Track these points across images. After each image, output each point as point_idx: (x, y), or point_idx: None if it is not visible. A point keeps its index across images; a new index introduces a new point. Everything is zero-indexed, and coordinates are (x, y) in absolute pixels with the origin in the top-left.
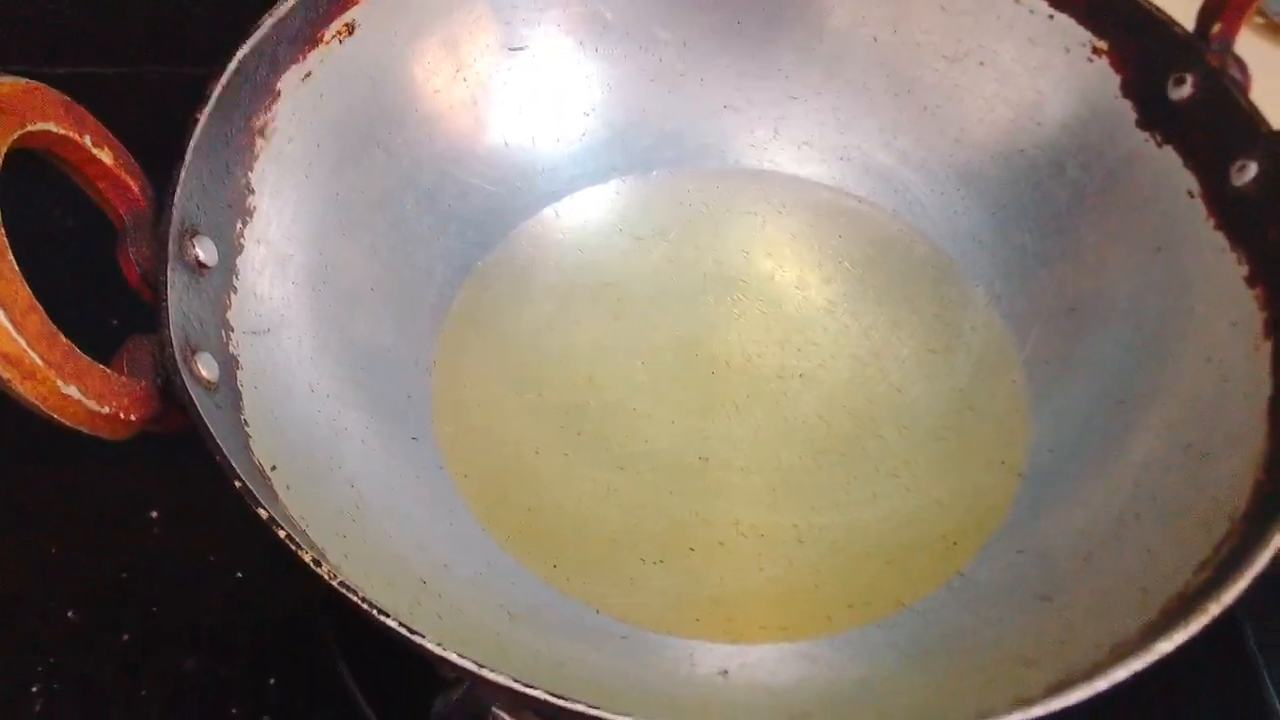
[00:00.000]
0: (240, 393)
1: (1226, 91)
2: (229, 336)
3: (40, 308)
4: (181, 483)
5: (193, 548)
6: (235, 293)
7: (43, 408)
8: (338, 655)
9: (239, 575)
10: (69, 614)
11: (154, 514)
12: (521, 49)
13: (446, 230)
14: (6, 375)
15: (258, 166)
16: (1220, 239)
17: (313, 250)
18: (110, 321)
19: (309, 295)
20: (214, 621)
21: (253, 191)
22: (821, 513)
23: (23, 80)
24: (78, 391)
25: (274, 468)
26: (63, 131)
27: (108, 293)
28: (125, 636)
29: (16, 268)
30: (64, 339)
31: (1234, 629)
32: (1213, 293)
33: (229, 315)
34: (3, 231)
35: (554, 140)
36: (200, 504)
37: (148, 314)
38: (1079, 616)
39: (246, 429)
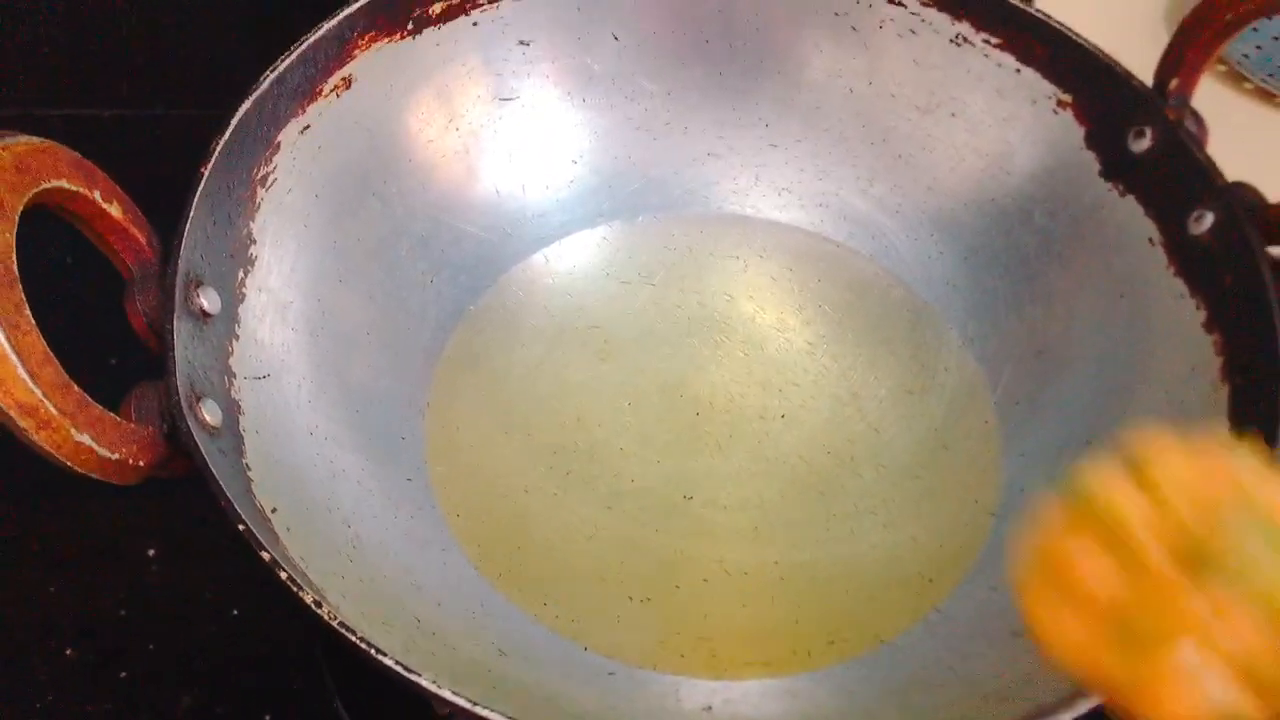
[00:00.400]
0: (243, 437)
1: (1183, 145)
2: (231, 382)
3: (54, 359)
4: (179, 521)
5: (190, 585)
6: (237, 339)
7: (57, 455)
8: (333, 691)
9: (235, 612)
10: (67, 651)
11: (151, 551)
12: (512, 99)
13: (439, 276)
14: (23, 424)
15: (259, 217)
16: (1180, 285)
17: (311, 297)
18: (109, 361)
19: (308, 341)
20: (211, 658)
21: (254, 241)
22: (802, 550)
23: (36, 139)
24: (90, 439)
25: (275, 510)
26: (74, 188)
27: (109, 334)
28: (123, 674)
29: (32, 320)
30: (77, 388)
31: None
32: (1173, 337)
33: (231, 362)
34: (19, 287)
35: (543, 187)
36: (197, 542)
37: (146, 352)
38: None
39: (249, 473)
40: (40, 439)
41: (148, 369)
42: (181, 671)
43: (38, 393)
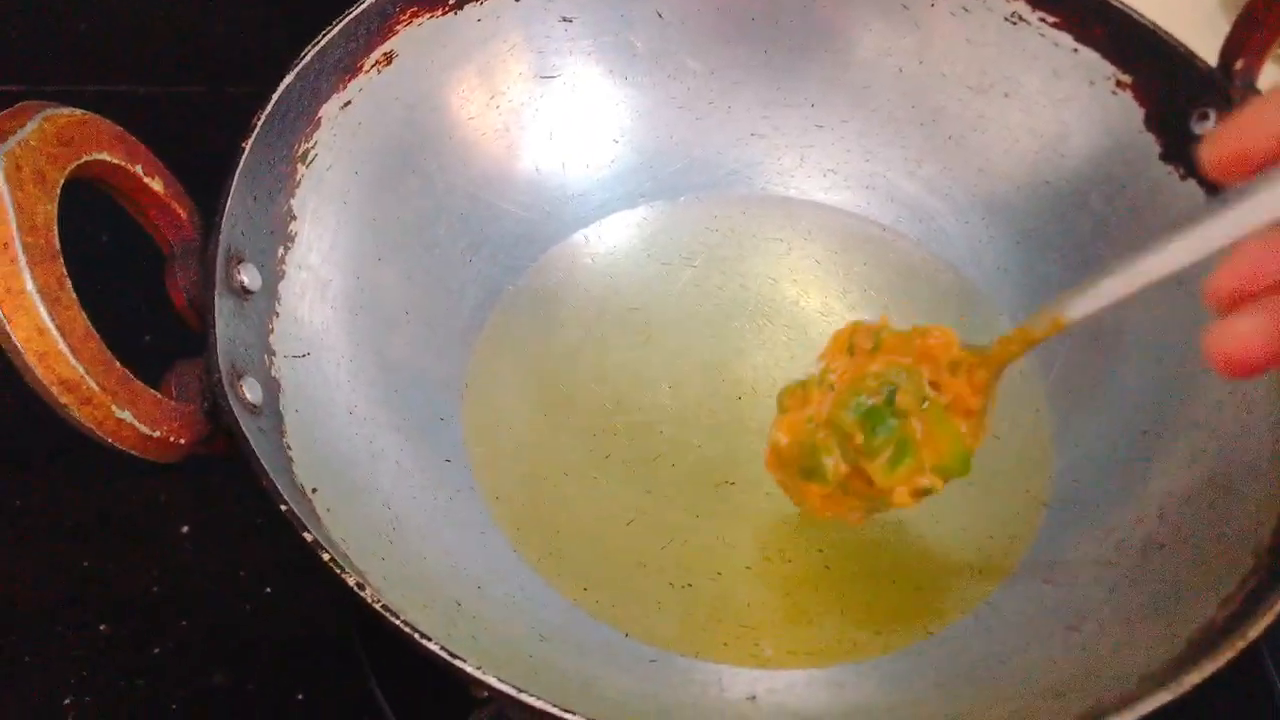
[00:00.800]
0: (283, 416)
1: None
2: (271, 360)
3: (96, 334)
4: (212, 497)
5: (223, 562)
6: (277, 317)
7: (98, 432)
8: (367, 670)
9: (268, 590)
10: (101, 627)
11: (185, 528)
12: (554, 77)
13: (479, 254)
14: (64, 400)
15: (299, 193)
16: None
17: (350, 275)
18: (148, 337)
19: (347, 319)
20: (243, 636)
21: (294, 218)
22: (847, 538)
23: (79, 112)
24: (131, 416)
25: (315, 490)
26: (116, 161)
27: (148, 309)
28: (156, 650)
29: (74, 295)
30: (118, 365)
31: (1254, 658)
32: None
33: (271, 340)
34: (61, 260)
35: (584, 166)
36: (231, 518)
37: (186, 328)
38: (1106, 648)
39: (289, 452)
40: (81, 415)
41: (187, 345)
42: (214, 649)
43: (79, 368)
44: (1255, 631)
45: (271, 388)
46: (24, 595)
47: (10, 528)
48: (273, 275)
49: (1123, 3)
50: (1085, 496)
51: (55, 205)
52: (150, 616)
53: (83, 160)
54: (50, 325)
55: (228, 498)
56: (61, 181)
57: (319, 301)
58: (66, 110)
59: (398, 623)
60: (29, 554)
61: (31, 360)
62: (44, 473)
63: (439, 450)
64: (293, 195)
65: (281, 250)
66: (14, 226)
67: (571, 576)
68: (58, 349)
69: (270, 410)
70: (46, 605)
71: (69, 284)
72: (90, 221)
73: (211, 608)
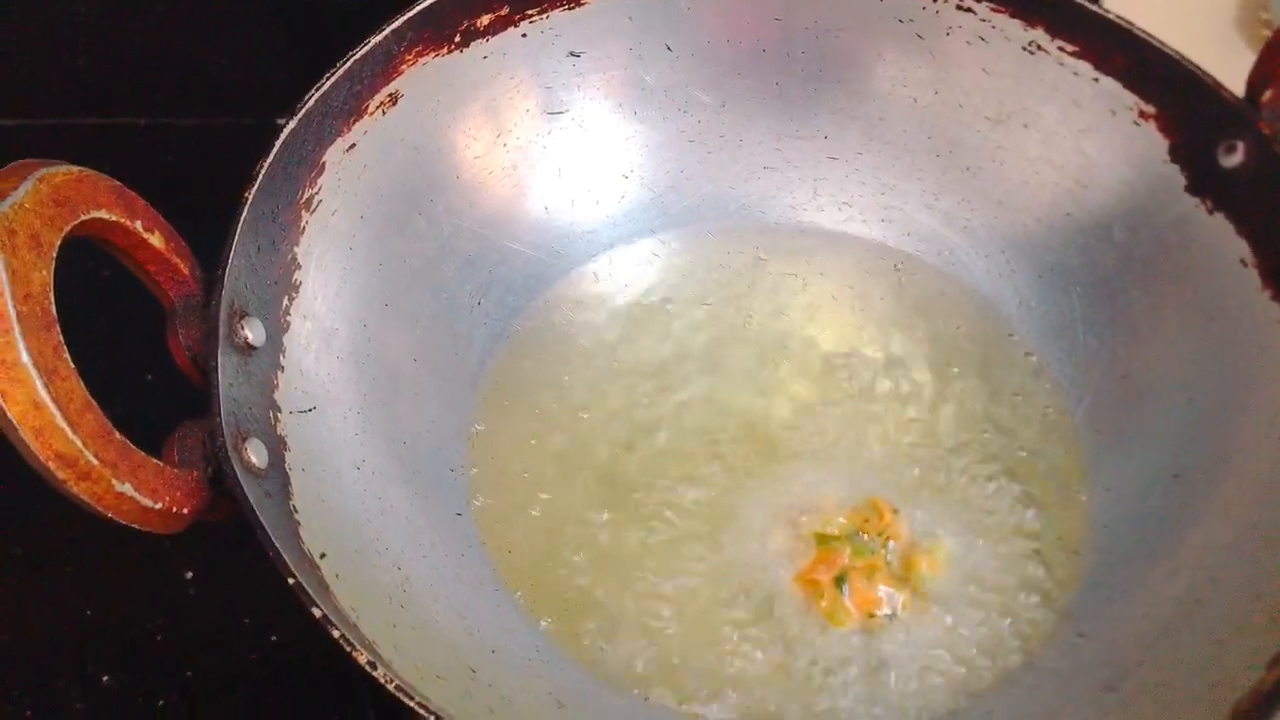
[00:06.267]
0: (289, 476)
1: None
2: (277, 418)
3: (95, 405)
4: (216, 544)
5: (227, 610)
6: (282, 371)
7: (97, 507)
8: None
9: (274, 638)
10: (104, 678)
11: (188, 575)
12: (562, 113)
13: (487, 296)
14: (62, 476)
15: (304, 241)
16: (1277, 310)
17: (357, 323)
18: (150, 393)
19: (353, 370)
20: (249, 685)
21: (299, 266)
22: None
23: (76, 169)
24: (132, 489)
25: (324, 555)
26: (114, 218)
27: (150, 363)
28: (160, 701)
29: (71, 364)
30: (118, 435)
31: None
32: (1271, 366)
33: (276, 396)
34: (58, 328)
35: (593, 203)
36: (234, 565)
37: (188, 382)
38: (1144, 709)
39: (295, 515)
40: (79, 490)
41: (191, 399)
42: (220, 699)
43: (77, 442)
44: None
45: (277, 447)
46: (24, 645)
47: (10, 574)
48: (277, 327)
49: (1145, 31)
50: (1119, 545)
51: (51, 269)
52: (154, 666)
53: (80, 219)
54: (46, 398)
55: (231, 544)
56: (58, 244)
57: (325, 352)
58: (63, 168)
59: (413, 704)
60: (29, 602)
61: (28, 435)
62: (44, 519)
63: (449, 504)
64: (297, 243)
65: (286, 300)
66: (8, 295)
67: (585, 640)
68: (55, 423)
69: (276, 471)
70: (48, 655)
71: (66, 353)
72: (89, 275)
73: (216, 656)
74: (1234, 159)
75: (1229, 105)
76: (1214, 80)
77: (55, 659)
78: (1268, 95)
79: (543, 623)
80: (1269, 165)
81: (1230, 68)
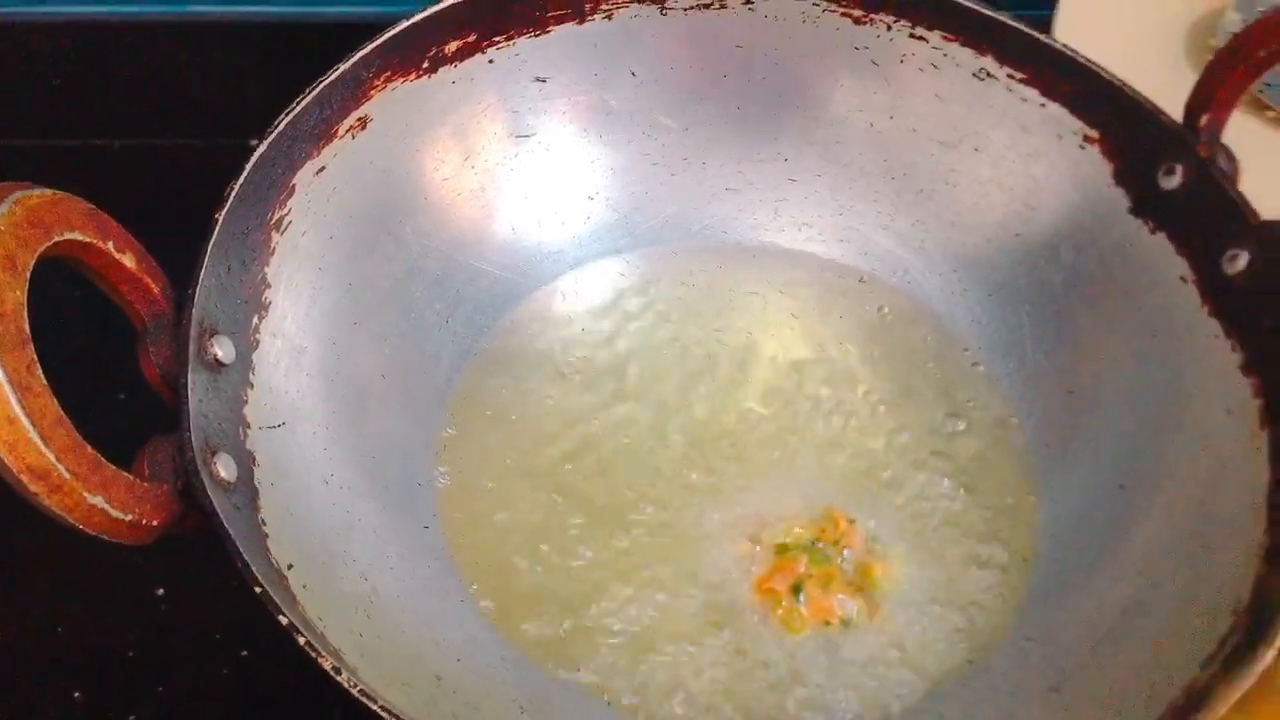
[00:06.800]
0: (258, 490)
1: (1215, 182)
2: (246, 433)
3: (67, 420)
4: (187, 560)
5: (199, 625)
6: (252, 388)
7: (68, 519)
8: None
9: (245, 654)
10: (75, 694)
11: (160, 591)
12: (528, 136)
13: (455, 315)
14: (34, 489)
15: (273, 261)
16: (1214, 325)
17: (326, 341)
18: (121, 410)
19: (323, 386)
20: (220, 701)
21: (269, 285)
22: None
23: (49, 192)
24: (103, 501)
25: (291, 566)
26: (88, 239)
27: (121, 381)
28: (131, 717)
29: (44, 381)
30: (90, 449)
31: None
32: (1208, 379)
33: (246, 411)
34: (31, 346)
35: (559, 224)
36: (206, 581)
37: (159, 399)
38: (1087, 710)
39: (264, 528)
40: (52, 503)
41: (162, 416)
42: (191, 714)
43: (49, 456)
44: (1234, 695)
45: (246, 461)
46: None
47: None
48: (247, 345)
49: (1090, 60)
50: (1065, 554)
51: (25, 289)
52: (126, 682)
53: (54, 241)
54: (20, 414)
55: (202, 559)
56: (32, 264)
57: (294, 369)
58: (38, 191)
59: (376, 708)
60: (0, 617)
61: (1, 450)
62: (15, 535)
63: (416, 517)
64: (267, 263)
65: (256, 319)
66: None
67: (550, 649)
68: (28, 438)
69: (245, 485)
70: (18, 670)
71: (39, 370)
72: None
73: (188, 672)
74: (1173, 181)
75: (1168, 129)
76: (1154, 106)
77: (27, 674)
78: (1204, 119)
79: (507, 631)
80: (1205, 187)
81: (1180, 93)
